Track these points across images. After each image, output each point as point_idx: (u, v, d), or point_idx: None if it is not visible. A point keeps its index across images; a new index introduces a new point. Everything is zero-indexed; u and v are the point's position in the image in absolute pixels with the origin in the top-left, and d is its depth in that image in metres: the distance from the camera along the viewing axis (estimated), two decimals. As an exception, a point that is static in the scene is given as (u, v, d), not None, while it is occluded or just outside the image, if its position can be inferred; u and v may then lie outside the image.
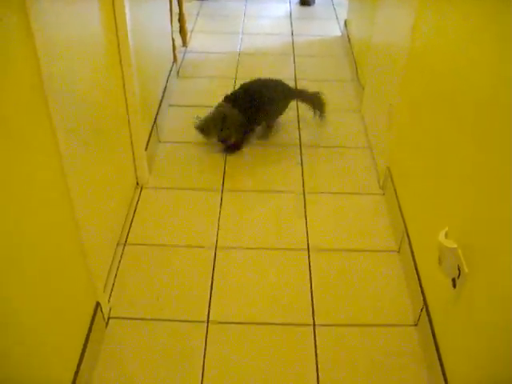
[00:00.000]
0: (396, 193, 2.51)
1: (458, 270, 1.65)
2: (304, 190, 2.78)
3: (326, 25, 4.76)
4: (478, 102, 1.61)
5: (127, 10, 2.29)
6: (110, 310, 2.11)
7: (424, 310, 2.01)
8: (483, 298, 1.53)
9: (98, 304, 1.96)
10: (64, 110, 1.63)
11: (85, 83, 1.94)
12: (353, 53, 3.92)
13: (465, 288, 1.64)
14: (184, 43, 4.20)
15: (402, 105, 2.45)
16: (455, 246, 1.60)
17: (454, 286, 1.70)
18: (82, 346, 1.82)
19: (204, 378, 1.90)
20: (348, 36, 4.18)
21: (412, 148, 2.31)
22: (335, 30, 4.64)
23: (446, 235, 1.64)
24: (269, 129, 3.22)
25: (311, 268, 2.33)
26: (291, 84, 3.34)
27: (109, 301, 2.14)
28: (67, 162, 1.63)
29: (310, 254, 2.40)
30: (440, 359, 1.83)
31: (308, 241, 2.47)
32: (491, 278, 1.48)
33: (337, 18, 4.87)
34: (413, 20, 2.26)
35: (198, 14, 4.88)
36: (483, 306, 1.53)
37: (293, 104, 3.35)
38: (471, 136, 1.64)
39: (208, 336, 2.04)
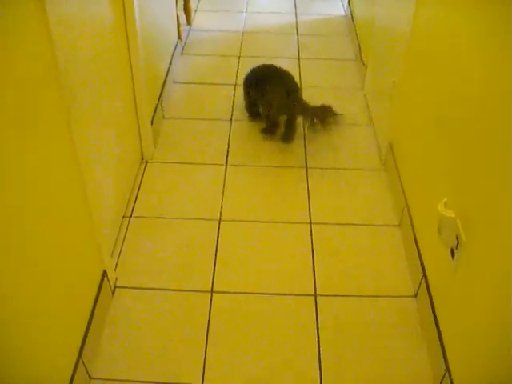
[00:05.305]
0: (397, 168, 2.54)
1: (457, 239, 1.69)
2: (306, 165, 2.81)
3: (330, 4, 4.75)
4: (478, 78, 1.64)
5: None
6: (116, 279, 2.16)
7: (423, 281, 2.05)
8: (480, 268, 1.57)
9: (104, 273, 2.01)
10: (75, 88, 1.67)
11: (94, 60, 1.97)
12: (356, 32, 3.92)
13: (462, 257, 1.68)
14: (188, 22, 4.20)
15: (404, 81, 2.47)
16: (454, 215, 1.64)
17: (453, 256, 1.74)
18: (89, 313, 1.88)
19: (208, 348, 1.95)
20: (351, 15, 4.18)
21: (414, 123, 2.34)
22: (339, 9, 4.63)
23: (446, 205, 1.67)
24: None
25: (313, 241, 2.38)
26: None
27: (115, 270, 2.19)
28: (78, 137, 1.67)
29: (313, 227, 2.45)
30: (438, 328, 1.87)
31: (310, 215, 2.51)
32: (488, 248, 1.51)
33: (341, -2, 4.86)
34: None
35: (202, -7, 4.87)
36: (480, 275, 1.57)
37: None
38: (471, 110, 1.67)
39: (212, 305, 2.09)
